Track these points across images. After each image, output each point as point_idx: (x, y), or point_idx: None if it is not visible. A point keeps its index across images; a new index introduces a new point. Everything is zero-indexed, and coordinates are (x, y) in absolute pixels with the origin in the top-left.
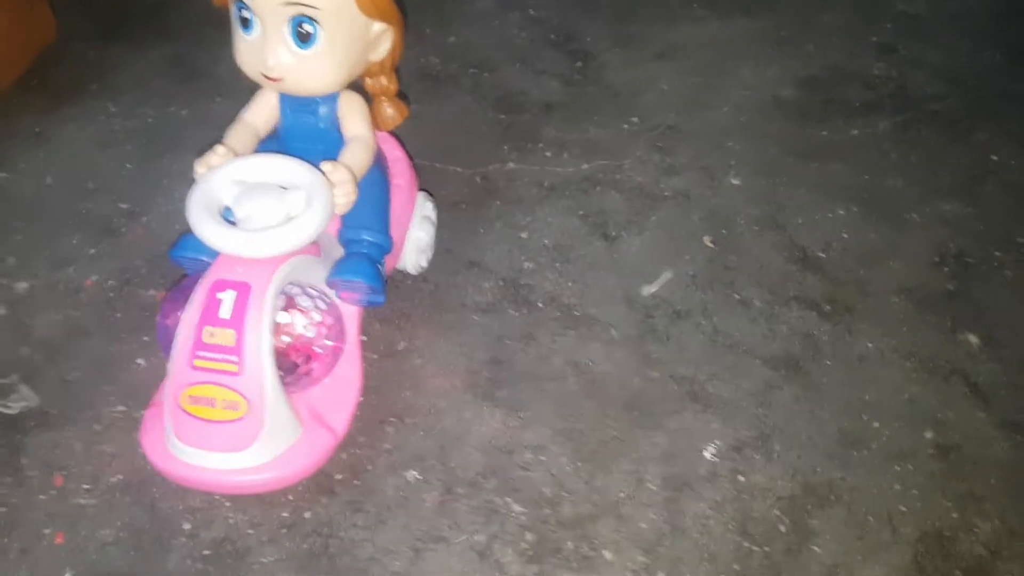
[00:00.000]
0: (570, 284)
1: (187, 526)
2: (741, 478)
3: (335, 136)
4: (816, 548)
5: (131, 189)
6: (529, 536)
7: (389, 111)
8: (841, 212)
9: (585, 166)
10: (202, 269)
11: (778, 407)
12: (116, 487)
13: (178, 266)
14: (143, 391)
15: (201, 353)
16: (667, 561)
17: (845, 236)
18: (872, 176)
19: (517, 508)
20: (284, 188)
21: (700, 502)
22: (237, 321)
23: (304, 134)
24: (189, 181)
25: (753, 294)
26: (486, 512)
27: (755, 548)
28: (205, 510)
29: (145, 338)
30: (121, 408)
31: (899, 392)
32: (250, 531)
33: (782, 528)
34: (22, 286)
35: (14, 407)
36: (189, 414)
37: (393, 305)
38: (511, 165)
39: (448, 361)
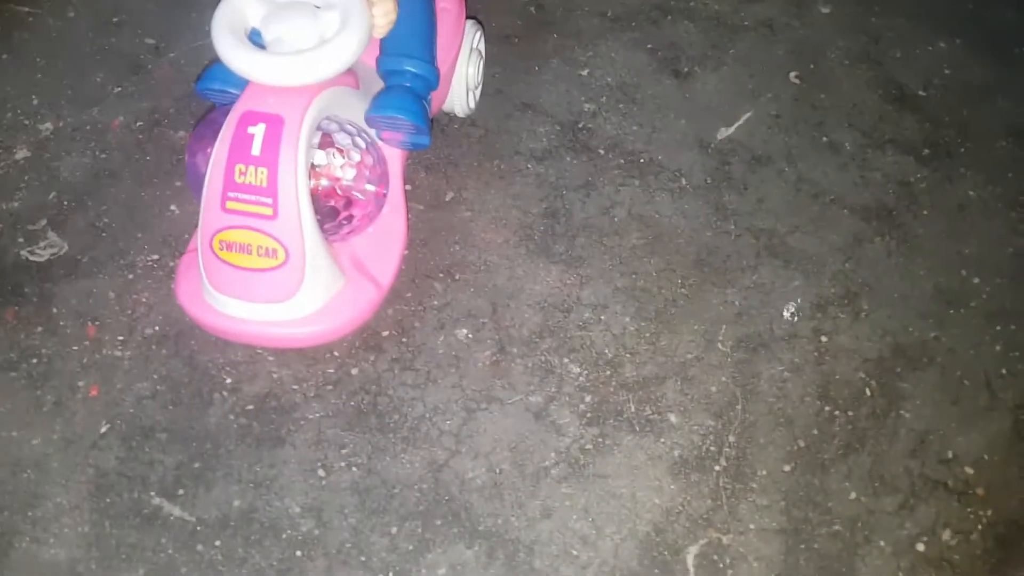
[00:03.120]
0: (635, 127)
1: (228, 380)
2: (824, 339)
3: None
4: (906, 413)
5: (157, 23)
6: (588, 398)
7: None
8: (943, 45)
9: None
10: (231, 102)
11: (868, 262)
12: (152, 339)
13: (206, 100)
14: (177, 239)
15: (233, 194)
16: (739, 426)
17: (947, 72)
18: (978, 5)
19: (575, 369)
20: (317, 7)
21: (777, 364)
22: (269, 158)
23: None
24: None
25: (844, 137)
26: (542, 372)
27: (837, 412)
28: (247, 364)
29: (177, 183)
30: (155, 256)
31: (1002, 245)
32: (294, 387)
33: (868, 392)
34: (46, 127)
35: (43, 254)
36: (224, 261)
37: (439, 151)
38: None
39: (500, 213)
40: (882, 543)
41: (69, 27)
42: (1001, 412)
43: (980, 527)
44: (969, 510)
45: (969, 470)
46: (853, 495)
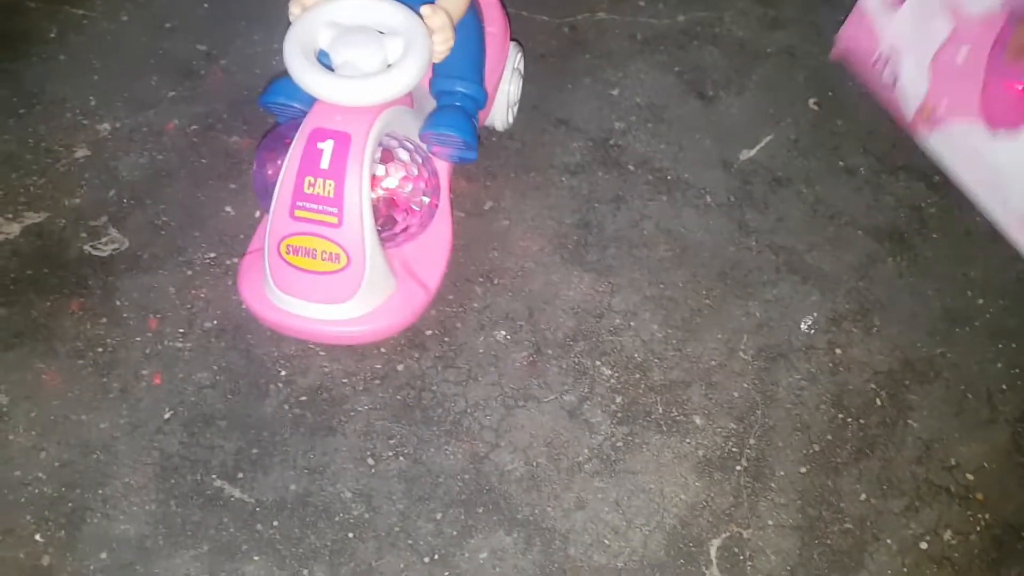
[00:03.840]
0: (663, 146)
1: (283, 372)
2: (838, 351)
3: None
4: (913, 423)
5: (209, 29)
6: (619, 399)
7: None
8: None
9: (682, 17)
10: (293, 115)
11: (880, 281)
12: (211, 332)
13: (268, 112)
14: (233, 238)
15: (301, 204)
16: (759, 429)
17: None
18: None
19: (607, 371)
20: (381, 32)
21: (795, 373)
22: (337, 172)
23: None
24: (268, 25)
25: (859, 161)
26: (576, 374)
27: (850, 420)
28: (300, 358)
29: (232, 185)
30: (212, 254)
31: (1006, 269)
32: (344, 380)
33: (878, 402)
34: (104, 127)
35: (105, 249)
36: (289, 264)
37: (479, 163)
38: (601, 15)
39: (535, 223)
40: (888, 541)
41: (123, 30)
42: (1001, 424)
43: (979, 529)
44: (969, 513)
45: (970, 476)
46: (863, 496)
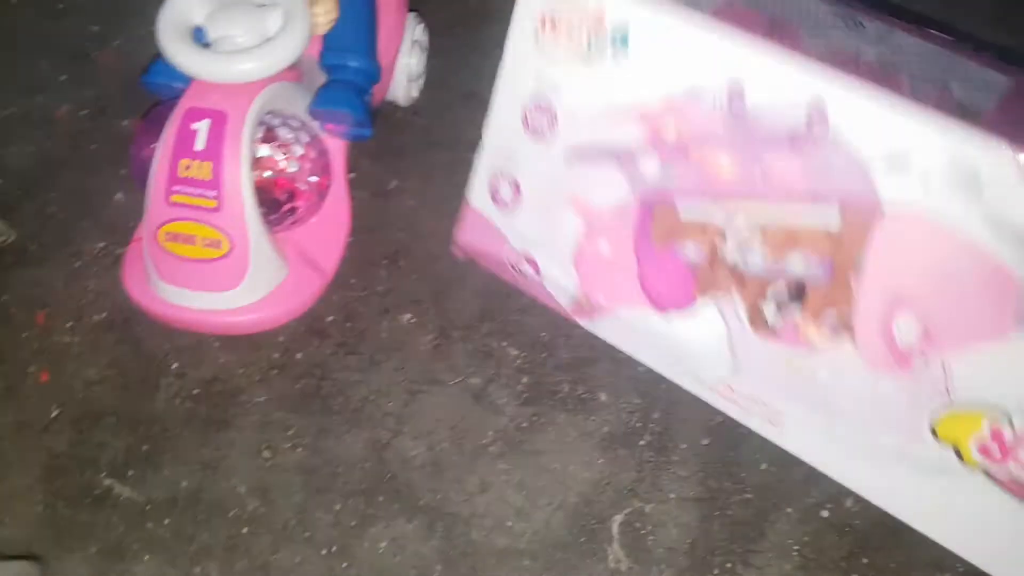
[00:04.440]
0: None
1: (175, 365)
2: None
3: None
4: None
5: (101, 10)
6: (525, 379)
7: None
8: None
9: None
10: (177, 96)
11: None
12: (100, 325)
13: (151, 93)
14: (123, 227)
15: (177, 188)
16: (663, 402)
17: None
18: None
19: (513, 351)
20: (260, 5)
21: None
22: (213, 153)
23: None
24: (163, 2)
25: None
26: (482, 355)
27: None
28: (193, 349)
29: (123, 171)
30: (101, 244)
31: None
32: (240, 371)
33: None
34: None
35: None
36: (169, 252)
37: (382, 140)
38: None
39: (443, 202)
40: (789, 510)
41: (13, 12)
42: None
43: None
44: None
45: None
46: (764, 466)
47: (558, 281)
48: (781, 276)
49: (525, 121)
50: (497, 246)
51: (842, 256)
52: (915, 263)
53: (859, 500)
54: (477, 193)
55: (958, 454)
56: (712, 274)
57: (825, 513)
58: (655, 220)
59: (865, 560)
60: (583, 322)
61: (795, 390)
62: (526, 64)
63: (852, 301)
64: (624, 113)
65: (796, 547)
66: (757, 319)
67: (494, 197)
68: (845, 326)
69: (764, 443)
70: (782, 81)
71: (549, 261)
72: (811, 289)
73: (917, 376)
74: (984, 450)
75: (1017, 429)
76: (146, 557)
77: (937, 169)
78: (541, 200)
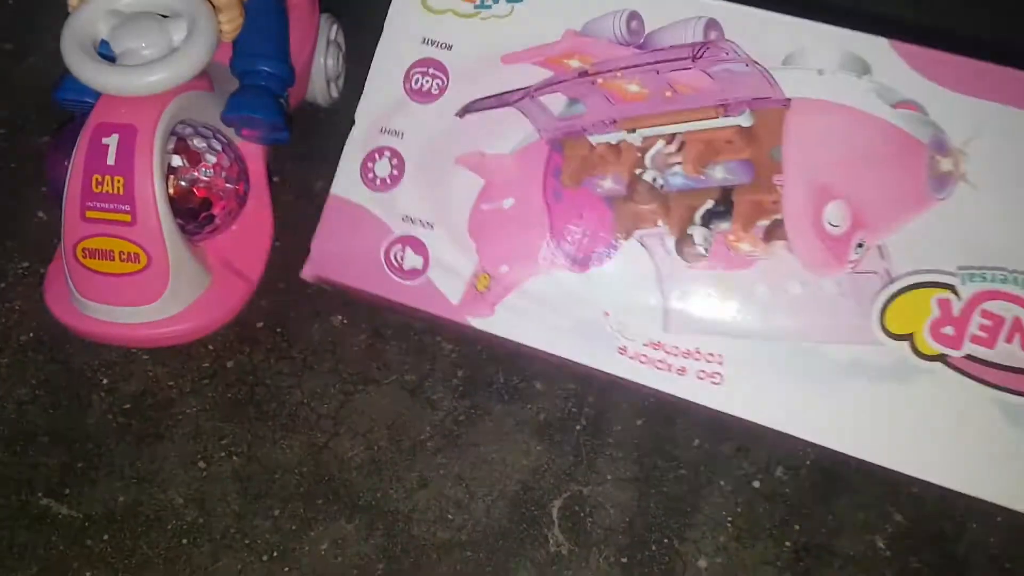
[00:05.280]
0: None
1: (105, 381)
2: None
3: None
4: None
5: (14, 27)
6: (460, 372)
7: None
8: None
9: None
10: (89, 111)
11: None
12: (27, 345)
13: (65, 109)
14: (47, 245)
15: (91, 203)
16: (597, 387)
17: None
18: None
19: (447, 346)
20: (163, 16)
21: None
22: (125, 167)
23: None
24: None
25: None
26: (416, 352)
27: None
28: (122, 364)
29: (43, 189)
30: (25, 264)
31: None
32: (171, 383)
33: None
34: None
35: None
36: (88, 269)
37: (306, 141)
38: None
39: None
40: (722, 483)
41: None
42: None
43: (808, 462)
44: (798, 448)
45: None
46: (696, 442)
47: (450, 265)
48: (705, 192)
49: (409, 86)
50: (371, 242)
51: (760, 155)
52: (830, 148)
53: (788, 469)
54: (345, 181)
55: (915, 351)
56: (634, 207)
57: (756, 484)
58: (566, 158)
59: (797, 527)
60: (475, 321)
61: (732, 323)
62: (408, 30)
63: (779, 200)
64: (523, 57)
65: (730, 519)
66: (686, 246)
67: (369, 180)
68: (776, 231)
69: (696, 420)
70: (677, 6)
71: (440, 239)
72: (737, 199)
73: (857, 268)
74: (937, 333)
75: (962, 295)
76: (88, 573)
77: (828, 60)
78: (429, 166)
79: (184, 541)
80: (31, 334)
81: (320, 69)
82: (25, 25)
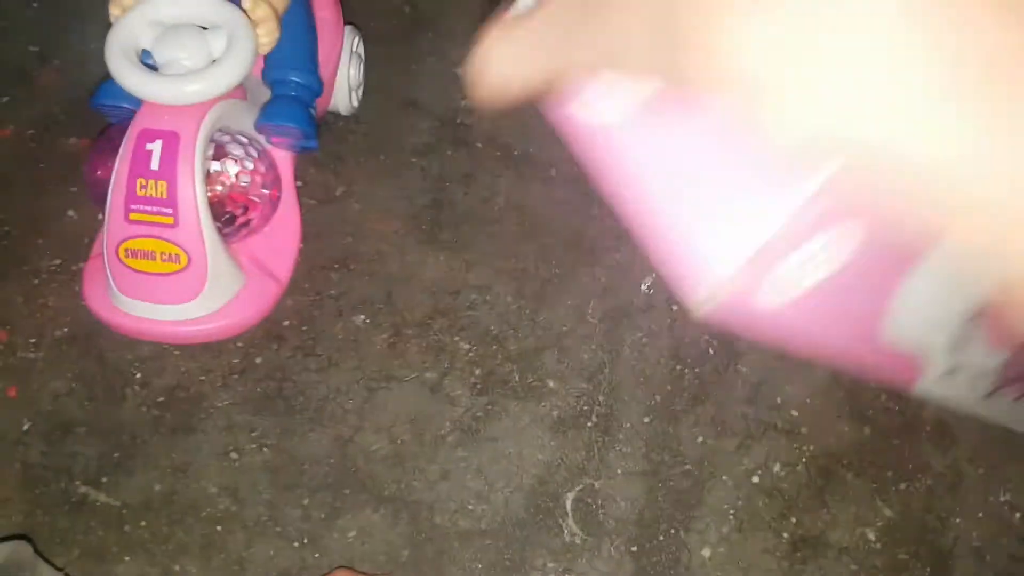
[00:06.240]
0: (507, 122)
1: (138, 375)
2: (675, 307)
3: None
4: (743, 367)
5: (40, 29)
6: (478, 371)
7: None
8: None
9: None
10: (126, 117)
11: None
12: (62, 340)
13: (100, 114)
14: (77, 243)
15: (135, 206)
16: (607, 386)
17: None
18: None
19: (465, 346)
20: (203, 27)
21: (637, 331)
22: (168, 172)
23: None
24: (100, 20)
25: None
26: (435, 351)
27: (686, 369)
28: (154, 359)
29: (73, 189)
30: (57, 261)
31: None
32: (202, 378)
33: (711, 351)
34: None
35: None
36: (129, 268)
37: (327, 148)
38: None
39: (388, 205)
40: (724, 478)
41: None
42: (820, 363)
43: (804, 460)
44: (795, 446)
45: (795, 412)
46: (700, 439)
47: None
48: None
49: None
50: None
51: None
52: None
53: (786, 465)
54: None
55: None
56: None
57: (756, 479)
58: None
59: (793, 520)
60: None
61: None
62: None
63: None
64: None
65: (732, 511)
66: None
67: None
68: None
69: (699, 418)
70: None
71: None
72: None
73: None
74: None
75: None
76: (127, 558)
77: None
78: None
79: (218, 528)
80: (66, 329)
81: (344, 79)
82: (50, 28)
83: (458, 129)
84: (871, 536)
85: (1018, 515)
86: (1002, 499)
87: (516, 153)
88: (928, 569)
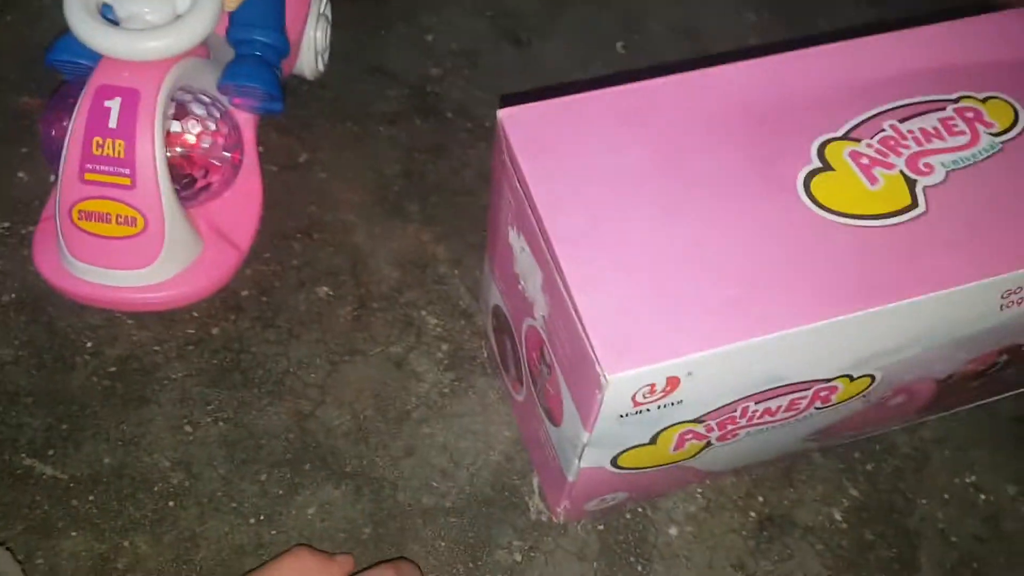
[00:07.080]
0: (479, 93)
1: (89, 344)
2: None
3: None
4: None
5: None
6: (445, 346)
7: None
8: (752, 16)
9: None
10: (83, 74)
11: None
12: (10, 306)
13: (56, 71)
14: (28, 206)
15: (91, 166)
16: None
17: (752, 41)
18: None
19: (432, 320)
20: None
21: None
22: (126, 131)
23: None
24: None
25: None
26: (402, 325)
27: None
28: (106, 328)
29: (24, 149)
30: (6, 224)
31: None
32: (156, 348)
33: None
34: None
35: None
36: (83, 230)
37: (290, 113)
38: None
39: (355, 174)
40: None
41: None
42: None
43: None
44: None
45: None
46: None
47: None
48: None
49: None
50: None
51: None
52: None
53: None
54: None
55: None
56: None
57: None
58: None
59: (760, 499)
60: None
61: None
62: None
63: None
64: None
65: (699, 490)
66: None
67: None
68: None
69: None
70: None
71: None
72: None
73: None
74: None
75: None
76: (73, 533)
77: None
78: None
79: (171, 503)
80: (13, 295)
81: (310, 42)
82: None
83: (428, 98)
84: (837, 516)
85: (983, 496)
86: (968, 480)
87: (488, 124)
88: (894, 549)
